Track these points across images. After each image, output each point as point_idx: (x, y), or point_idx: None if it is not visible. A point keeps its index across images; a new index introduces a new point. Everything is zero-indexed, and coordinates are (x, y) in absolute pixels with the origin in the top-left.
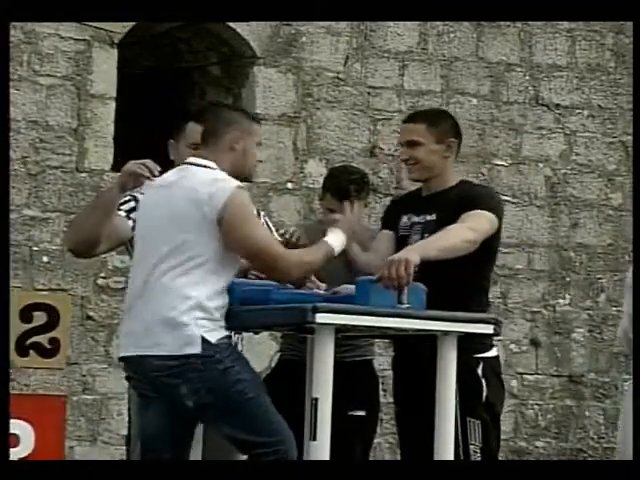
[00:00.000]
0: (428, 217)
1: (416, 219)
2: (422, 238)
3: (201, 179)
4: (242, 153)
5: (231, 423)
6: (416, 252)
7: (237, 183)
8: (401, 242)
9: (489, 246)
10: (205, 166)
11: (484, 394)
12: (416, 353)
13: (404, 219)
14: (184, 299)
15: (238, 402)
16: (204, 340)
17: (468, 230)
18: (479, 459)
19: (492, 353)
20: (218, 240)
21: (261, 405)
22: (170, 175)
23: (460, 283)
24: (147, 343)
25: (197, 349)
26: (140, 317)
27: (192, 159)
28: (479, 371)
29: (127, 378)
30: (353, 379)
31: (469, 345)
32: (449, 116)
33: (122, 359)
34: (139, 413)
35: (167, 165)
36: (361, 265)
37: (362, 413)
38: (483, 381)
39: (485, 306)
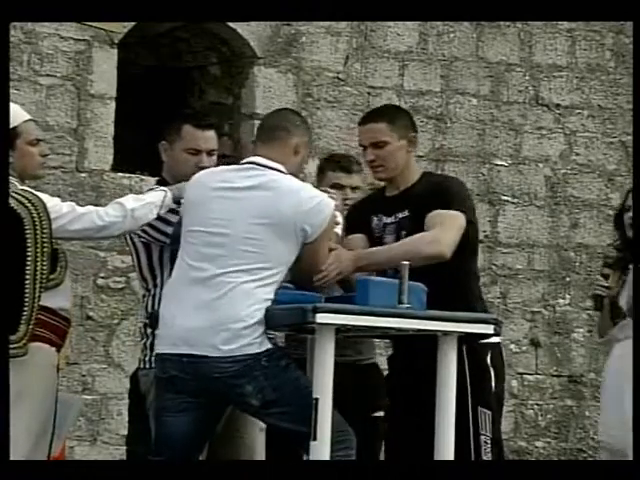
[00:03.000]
0: (400, 215)
1: (388, 219)
2: (398, 236)
3: (297, 190)
4: (301, 160)
5: (295, 418)
6: (359, 260)
7: (328, 197)
8: (378, 243)
9: (466, 241)
10: (276, 169)
11: (493, 383)
12: (414, 352)
13: (375, 220)
14: (261, 308)
15: (302, 396)
16: (269, 338)
17: (431, 242)
18: (489, 451)
19: (497, 339)
20: (297, 251)
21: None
22: (238, 178)
23: (445, 281)
24: (213, 343)
25: (264, 347)
26: (203, 317)
27: (259, 159)
28: (488, 360)
29: (164, 378)
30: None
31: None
32: (405, 111)
33: (167, 356)
34: (168, 416)
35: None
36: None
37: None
38: (492, 370)
39: (476, 302)
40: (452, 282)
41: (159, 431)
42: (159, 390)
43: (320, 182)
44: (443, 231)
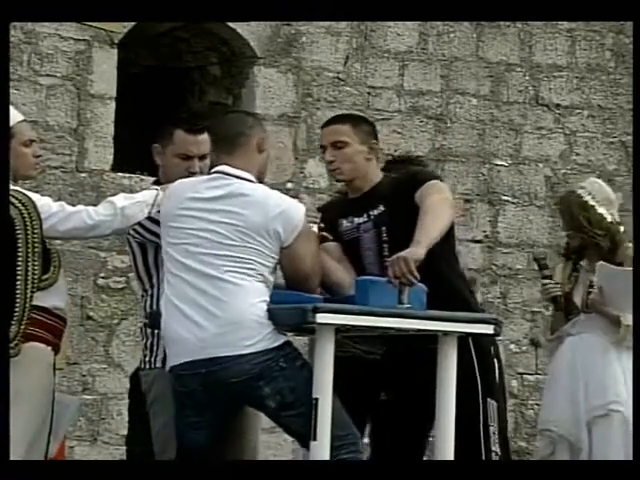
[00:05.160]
0: (375, 212)
1: (360, 219)
2: (378, 232)
3: (264, 198)
4: (266, 156)
5: (308, 420)
6: (420, 245)
7: (297, 202)
8: (351, 245)
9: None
10: (244, 178)
11: (497, 375)
12: (409, 350)
13: (345, 223)
14: (262, 303)
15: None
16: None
17: (441, 201)
18: (497, 441)
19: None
20: (275, 254)
21: (334, 400)
22: (206, 188)
23: (434, 280)
24: (227, 345)
25: (279, 341)
26: (209, 323)
27: (227, 168)
28: (492, 351)
29: (183, 392)
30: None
31: None
32: (369, 120)
33: (184, 370)
34: (189, 431)
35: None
36: (335, 280)
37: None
38: (495, 361)
39: (469, 299)
40: (439, 281)
41: (181, 442)
42: (178, 406)
43: None
44: (439, 191)
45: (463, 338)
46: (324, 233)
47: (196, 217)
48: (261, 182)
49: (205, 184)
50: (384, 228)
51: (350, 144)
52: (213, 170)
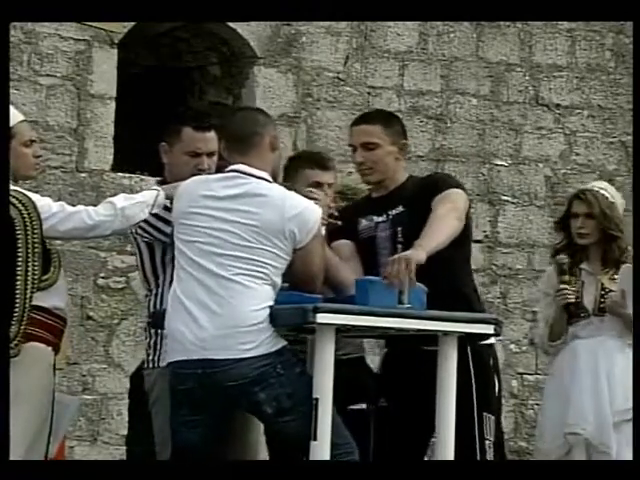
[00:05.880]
0: (394, 211)
1: (379, 218)
2: (394, 232)
3: (281, 199)
4: (279, 154)
5: (306, 427)
6: (422, 249)
7: (314, 204)
8: (367, 243)
9: (465, 233)
10: (261, 177)
11: (496, 388)
12: (409, 352)
13: (364, 222)
14: (267, 307)
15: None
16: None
17: (452, 211)
18: (492, 455)
19: (492, 340)
20: (288, 255)
21: (331, 408)
22: (222, 187)
23: (444, 280)
24: (227, 347)
25: (278, 345)
26: (212, 323)
27: (243, 167)
28: (491, 364)
29: (180, 390)
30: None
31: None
32: (398, 118)
33: (182, 368)
34: (183, 431)
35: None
36: (341, 279)
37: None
38: (495, 374)
39: (472, 289)
40: (450, 280)
41: (176, 443)
42: (174, 404)
43: (294, 181)
44: (454, 201)
45: (462, 352)
46: (332, 220)
47: (210, 215)
48: (275, 181)
49: (220, 183)
50: (400, 228)
51: (381, 146)
52: (229, 169)
